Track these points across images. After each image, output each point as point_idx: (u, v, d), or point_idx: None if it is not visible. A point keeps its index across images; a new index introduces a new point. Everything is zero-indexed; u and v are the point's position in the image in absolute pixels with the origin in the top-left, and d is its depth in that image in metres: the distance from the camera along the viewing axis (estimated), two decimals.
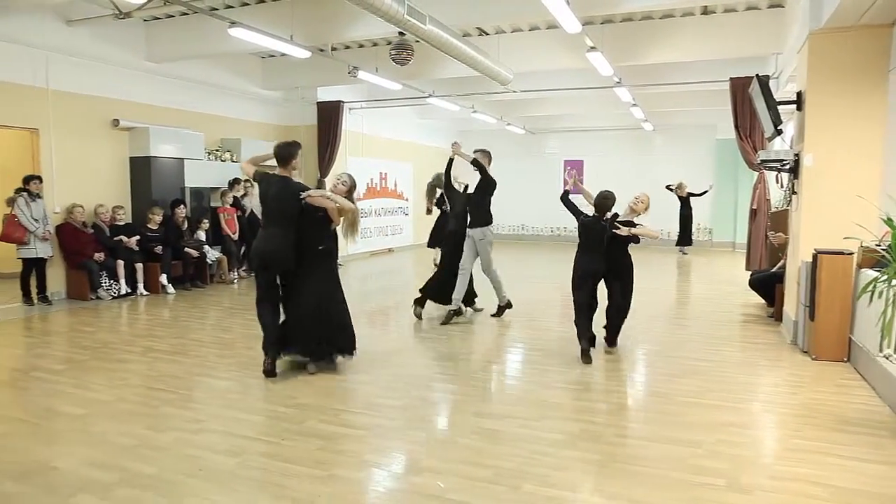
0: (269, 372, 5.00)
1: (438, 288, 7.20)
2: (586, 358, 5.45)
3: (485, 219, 6.97)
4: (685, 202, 14.62)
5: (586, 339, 5.56)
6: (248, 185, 10.41)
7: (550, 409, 4.34)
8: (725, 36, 8.62)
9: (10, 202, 7.73)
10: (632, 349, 6.00)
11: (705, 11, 8.57)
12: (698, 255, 14.70)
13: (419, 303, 7.22)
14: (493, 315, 7.27)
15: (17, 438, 3.83)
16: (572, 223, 5.73)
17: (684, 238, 14.69)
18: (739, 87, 9.23)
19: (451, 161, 7.16)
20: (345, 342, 5.23)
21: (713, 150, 16.19)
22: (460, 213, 7.18)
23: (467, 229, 7.02)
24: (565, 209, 5.79)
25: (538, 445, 3.67)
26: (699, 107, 13.45)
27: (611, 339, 5.83)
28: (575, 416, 4.22)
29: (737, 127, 9.59)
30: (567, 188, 5.92)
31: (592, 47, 8.04)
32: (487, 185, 6.97)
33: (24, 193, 7.70)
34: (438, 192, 7.84)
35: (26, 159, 8.30)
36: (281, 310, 5.22)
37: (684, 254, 14.67)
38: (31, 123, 8.10)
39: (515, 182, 17.88)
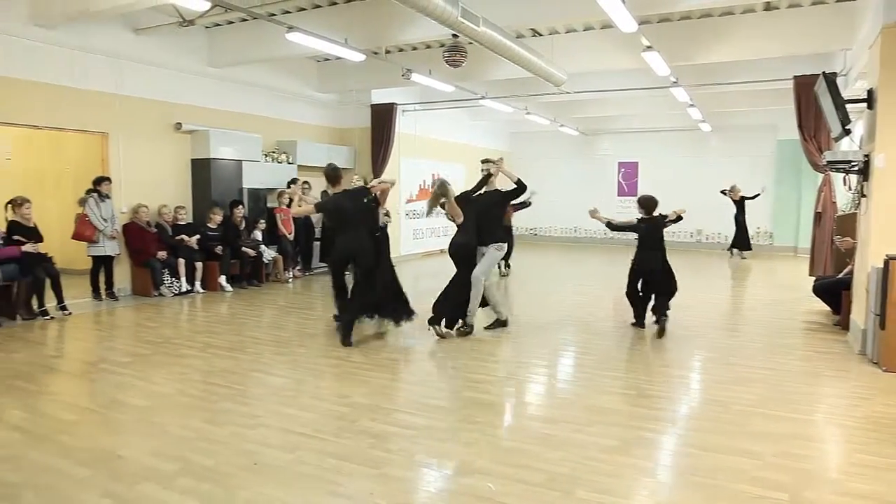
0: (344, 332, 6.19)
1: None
2: (637, 322, 6.73)
3: (499, 235, 6.73)
4: (740, 207, 14.19)
5: (637, 308, 6.74)
6: (306, 186, 10.59)
7: (603, 415, 4.27)
8: (790, 33, 8.27)
9: (82, 202, 8.12)
10: (688, 355, 5.86)
11: (768, 7, 8.26)
12: (759, 259, 14.20)
13: (436, 321, 6.46)
14: (459, 331, 6.54)
15: (87, 427, 4.03)
16: None
17: (742, 241, 14.27)
18: (804, 86, 8.87)
19: (487, 177, 6.75)
20: (403, 308, 6.60)
21: (774, 151, 15.59)
22: (471, 226, 6.59)
23: (478, 246, 6.57)
24: (622, 232, 6.89)
25: (591, 451, 3.62)
26: (760, 107, 13.00)
27: (660, 309, 6.49)
28: (628, 423, 4.14)
29: (800, 127, 9.23)
30: (604, 221, 6.85)
31: (649, 47, 7.88)
32: (507, 198, 6.79)
33: (95, 194, 8.09)
34: (442, 201, 6.63)
35: (96, 162, 8.72)
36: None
37: (743, 258, 14.24)
38: (102, 127, 8.49)
39: (569, 184, 17.75)
